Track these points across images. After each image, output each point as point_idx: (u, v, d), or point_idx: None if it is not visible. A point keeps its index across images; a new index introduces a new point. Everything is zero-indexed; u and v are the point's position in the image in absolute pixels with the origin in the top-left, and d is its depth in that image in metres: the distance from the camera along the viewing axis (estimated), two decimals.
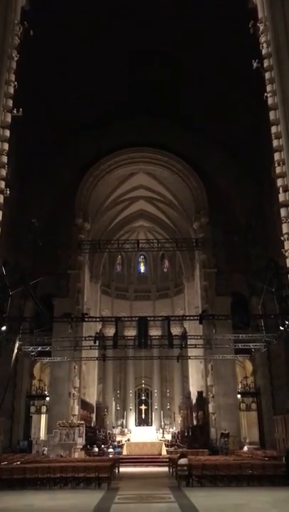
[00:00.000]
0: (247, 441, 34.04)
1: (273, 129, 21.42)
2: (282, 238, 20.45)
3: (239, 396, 35.42)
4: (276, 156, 21.15)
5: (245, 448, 31.01)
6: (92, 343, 31.03)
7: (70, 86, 31.69)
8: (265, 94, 21.89)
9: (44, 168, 36.68)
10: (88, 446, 32.53)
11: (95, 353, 36.12)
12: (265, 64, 22.16)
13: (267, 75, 22.01)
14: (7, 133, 21.45)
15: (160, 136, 38.01)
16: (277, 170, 21.05)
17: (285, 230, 20.40)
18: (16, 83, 21.89)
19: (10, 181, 23.17)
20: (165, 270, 53.59)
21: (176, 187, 40.58)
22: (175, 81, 33.33)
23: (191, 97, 33.57)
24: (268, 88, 21.84)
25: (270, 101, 21.62)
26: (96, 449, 32.65)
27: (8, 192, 21.18)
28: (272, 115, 21.48)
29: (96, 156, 38.64)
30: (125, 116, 36.12)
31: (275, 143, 21.27)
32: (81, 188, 37.90)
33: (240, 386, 36.32)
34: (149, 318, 45.39)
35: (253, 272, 33.12)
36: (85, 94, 32.96)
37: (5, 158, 21.30)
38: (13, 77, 21.90)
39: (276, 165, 21.12)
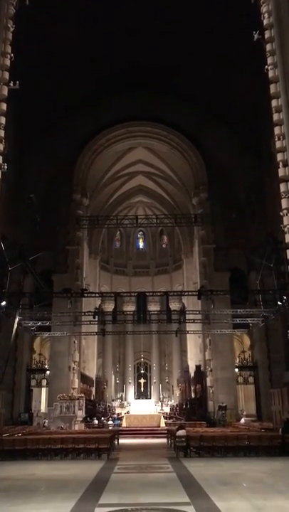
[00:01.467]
0: (244, 413, 34.66)
1: (274, 103, 21.14)
2: (281, 213, 20.41)
3: (237, 370, 35.94)
4: (276, 130, 20.93)
5: (243, 420, 31.61)
6: (91, 318, 31.27)
7: (68, 59, 31.05)
8: (266, 66, 21.51)
9: (42, 143, 36.25)
10: (88, 419, 33.13)
11: (95, 328, 36.40)
12: (266, 35, 21.71)
13: (268, 47, 21.60)
14: (4, 106, 21.14)
15: (159, 110, 37.48)
16: (277, 144, 20.87)
17: (284, 205, 20.34)
18: (12, 55, 21.44)
19: (8, 156, 22.96)
20: (164, 246, 53.61)
21: (176, 162, 40.22)
22: (174, 54, 32.65)
23: (191, 70, 32.96)
24: (269, 60, 21.45)
25: (270, 74, 21.27)
26: (96, 422, 33.26)
27: (5, 167, 21.01)
28: (272, 88, 21.16)
29: (94, 131, 38.19)
30: (124, 90, 35.52)
31: (275, 117, 21.01)
32: (79, 163, 37.55)
33: (237, 360, 36.82)
34: (147, 294, 45.66)
35: (252, 247, 33.12)
36: (83, 67, 32.35)
37: (2, 133, 21.07)
38: (9, 49, 21.45)
39: (276, 139, 20.93)
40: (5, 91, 21.11)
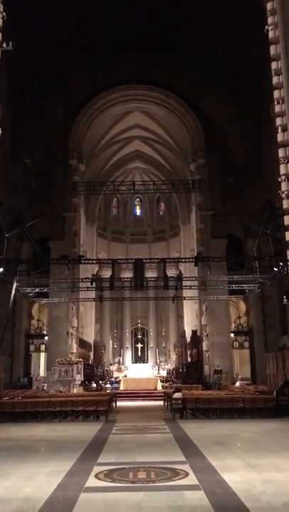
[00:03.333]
0: (239, 377, 35.40)
1: (273, 65, 20.59)
2: (279, 179, 20.24)
3: (232, 335, 36.49)
4: (276, 93, 20.48)
5: (238, 383, 32.32)
6: (89, 284, 31.46)
7: (63, 21, 30.04)
8: (266, 27, 20.86)
9: (37, 107, 35.47)
10: (86, 382, 33.78)
11: (92, 295, 36.73)
12: None
13: (268, 6, 20.86)
14: None
15: (157, 74, 36.53)
16: (277, 108, 20.46)
17: (282, 170, 20.14)
18: (4, 14, 20.68)
19: (2, 121, 22.54)
20: (161, 213, 53.40)
21: (173, 127, 39.59)
22: (172, 15, 31.60)
23: (189, 32, 31.99)
24: (269, 20, 20.76)
25: (270, 34, 20.62)
26: (94, 385, 33.94)
27: (0, 131, 20.62)
28: (272, 50, 20.57)
29: (90, 94, 37.36)
30: (120, 53, 34.51)
31: (274, 80, 20.52)
32: (75, 127, 36.89)
33: (233, 325, 37.34)
34: (145, 261, 45.74)
35: (249, 214, 33.07)
36: (79, 29, 31.35)
37: None
38: (1, 7, 20.67)
39: (275, 103, 20.50)
40: None
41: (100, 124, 39.04)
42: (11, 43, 20.55)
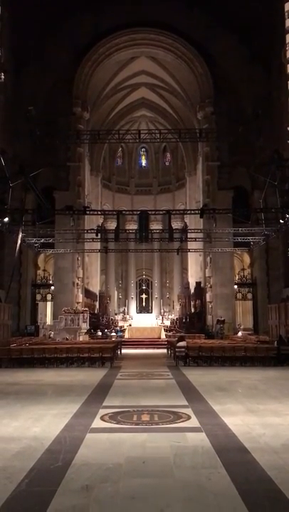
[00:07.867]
0: (241, 327, 36.06)
1: (287, 6, 19.66)
2: (288, 128, 19.76)
3: (236, 286, 36.87)
4: (288, 38, 19.67)
5: (240, 333, 32.96)
6: (94, 235, 31.53)
7: None
8: None
9: (40, 51, 34.25)
10: (92, 331, 34.58)
11: (97, 246, 36.89)
12: None
13: None
14: None
15: (163, 15, 34.89)
16: (288, 54, 19.72)
17: None
18: None
19: (4, 66, 21.88)
20: (167, 164, 52.58)
21: (181, 73, 38.25)
22: None
23: None
24: None
25: None
26: (100, 333, 34.74)
27: (2, 77, 20.08)
28: None
29: (95, 38, 35.89)
30: None
31: (287, 23, 19.67)
32: (79, 73, 35.74)
33: (237, 277, 37.64)
34: (150, 212, 45.65)
35: (257, 165, 32.49)
36: None
37: None
38: None
39: (287, 48, 19.74)
40: None
41: (105, 70, 37.77)
42: None
